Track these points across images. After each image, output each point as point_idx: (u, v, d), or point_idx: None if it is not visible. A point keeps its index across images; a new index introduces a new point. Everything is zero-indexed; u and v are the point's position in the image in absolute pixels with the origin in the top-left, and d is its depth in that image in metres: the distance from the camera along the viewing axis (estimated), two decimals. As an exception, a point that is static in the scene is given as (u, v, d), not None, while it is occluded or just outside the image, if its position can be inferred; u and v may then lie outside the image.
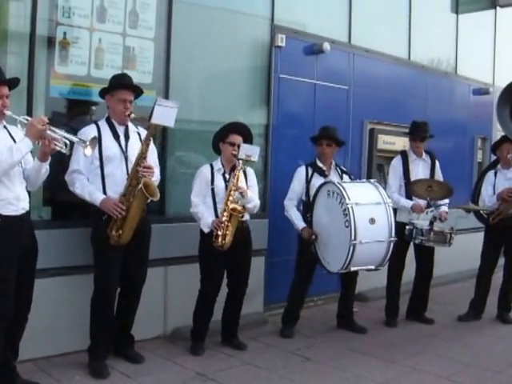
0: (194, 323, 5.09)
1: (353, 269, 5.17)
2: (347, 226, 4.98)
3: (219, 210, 4.89)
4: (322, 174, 5.60)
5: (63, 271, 4.71)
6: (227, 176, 5.00)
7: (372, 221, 5.06)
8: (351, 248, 4.95)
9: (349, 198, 5.00)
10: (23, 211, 3.82)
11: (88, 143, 3.72)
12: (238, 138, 5.01)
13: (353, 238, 4.94)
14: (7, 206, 3.70)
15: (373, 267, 5.25)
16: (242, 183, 4.97)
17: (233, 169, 5.00)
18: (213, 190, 4.96)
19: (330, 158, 5.69)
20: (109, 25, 5.01)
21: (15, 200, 3.75)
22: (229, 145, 5.00)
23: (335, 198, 5.15)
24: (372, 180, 5.61)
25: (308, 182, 5.57)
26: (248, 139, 5.08)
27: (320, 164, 5.65)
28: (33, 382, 4.08)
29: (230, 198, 4.80)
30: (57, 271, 4.67)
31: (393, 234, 5.14)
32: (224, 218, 4.78)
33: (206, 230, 4.88)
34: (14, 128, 3.84)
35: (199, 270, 5.03)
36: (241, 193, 4.84)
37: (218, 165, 5.04)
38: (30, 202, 3.93)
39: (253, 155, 4.85)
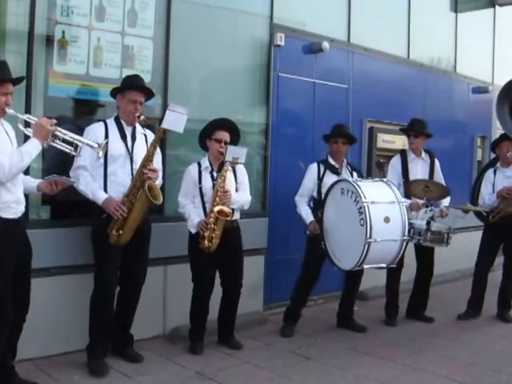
0: (191, 323, 5.08)
1: (366, 267, 5.16)
2: (362, 225, 4.97)
3: (208, 210, 4.87)
4: (335, 171, 5.59)
5: (62, 270, 4.70)
6: (215, 174, 4.97)
7: (387, 219, 5.05)
8: (366, 246, 4.94)
9: (365, 197, 4.99)
10: (20, 214, 3.81)
11: (102, 148, 3.82)
12: (224, 135, 4.97)
13: (368, 236, 4.92)
14: (7, 209, 3.68)
15: (384, 265, 5.26)
16: (230, 183, 4.94)
17: (221, 166, 4.93)
18: (200, 189, 4.94)
19: (343, 155, 5.70)
20: (108, 24, 5.00)
21: (15, 203, 3.74)
22: (215, 142, 4.96)
23: (350, 196, 5.14)
24: (385, 179, 5.61)
25: (320, 179, 5.57)
26: (235, 135, 5.05)
27: (332, 162, 5.65)
28: (31, 381, 4.06)
29: (217, 200, 4.77)
30: (56, 270, 4.67)
31: (406, 233, 5.15)
32: (210, 220, 4.76)
33: (193, 231, 4.87)
34: (6, 124, 3.82)
35: (191, 271, 5.01)
36: (225, 196, 4.79)
37: (205, 163, 5.00)
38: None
39: (240, 157, 4.80)
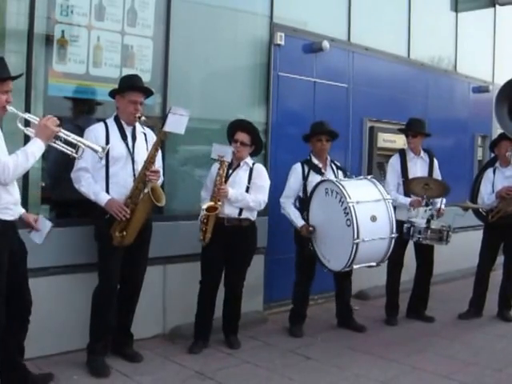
0: (195, 319, 5.09)
1: (355, 267, 5.15)
2: (349, 225, 4.94)
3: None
4: (319, 171, 5.57)
5: (62, 270, 4.70)
6: (230, 171, 5.05)
7: (373, 218, 5.03)
8: (354, 247, 4.91)
9: (349, 197, 4.96)
10: (17, 216, 3.82)
11: (104, 152, 3.84)
12: (240, 135, 5.05)
13: (355, 236, 4.90)
14: (6, 210, 3.67)
15: (374, 264, 5.25)
16: (239, 182, 5.01)
17: (237, 164, 5.07)
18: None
19: (326, 153, 5.67)
20: (107, 23, 5.00)
21: (14, 205, 3.73)
22: (233, 142, 5.06)
23: (334, 196, 5.11)
24: (369, 176, 5.58)
25: (305, 179, 5.54)
26: (254, 136, 5.13)
27: (316, 161, 5.62)
28: (45, 373, 4.13)
29: (214, 196, 4.84)
30: (55, 270, 4.66)
31: (394, 230, 5.13)
32: (203, 213, 4.86)
33: (199, 224, 4.96)
34: None
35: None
36: (219, 192, 4.85)
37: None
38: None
39: (225, 156, 4.86)
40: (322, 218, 5.28)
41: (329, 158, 5.70)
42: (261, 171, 5.20)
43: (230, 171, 5.04)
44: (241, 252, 5.08)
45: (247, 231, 5.11)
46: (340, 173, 5.68)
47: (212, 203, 4.82)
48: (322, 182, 5.33)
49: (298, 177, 5.57)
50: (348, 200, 4.95)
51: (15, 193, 3.75)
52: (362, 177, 5.66)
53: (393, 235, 5.13)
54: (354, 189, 5.09)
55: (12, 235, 3.75)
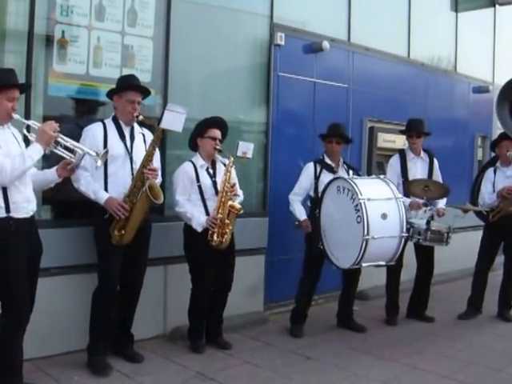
0: (191, 322, 5.07)
1: (364, 265, 5.13)
2: (359, 222, 4.94)
3: (209, 208, 4.89)
4: (331, 170, 5.59)
5: (62, 270, 4.70)
6: (211, 171, 4.99)
7: (384, 216, 5.02)
8: (364, 243, 4.90)
9: (361, 194, 4.96)
10: (32, 213, 3.86)
11: (100, 157, 3.86)
12: (218, 132, 5.00)
13: (365, 233, 4.89)
14: (18, 209, 3.72)
15: (383, 263, 5.24)
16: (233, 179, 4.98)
17: (213, 164, 5.00)
18: (200, 187, 4.93)
19: (339, 155, 5.70)
20: (107, 23, 5.00)
21: (25, 202, 3.77)
22: (210, 139, 4.97)
23: (346, 193, 5.11)
24: (382, 176, 5.59)
25: (317, 178, 5.56)
26: (225, 133, 5.09)
27: (328, 161, 5.64)
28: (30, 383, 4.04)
29: (224, 194, 4.79)
30: (56, 270, 4.66)
31: (404, 230, 5.12)
32: (219, 216, 4.77)
33: (200, 229, 4.84)
34: (13, 128, 3.86)
35: (189, 270, 5.00)
36: (232, 189, 4.82)
37: (199, 161, 5.00)
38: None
39: (248, 152, 4.83)
40: (334, 216, 5.27)
41: (341, 159, 5.72)
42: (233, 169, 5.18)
43: (211, 171, 4.99)
44: (230, 251, 5.04)
45: None
46: (351, 173, 5.68)
47: (234, 203, 4.79)
48: (334, 179, 5.33)
49: (309, 175, 5.59)
50: (359, 196, 4.95)
51: (26, 190, 3.79)
52: (374, 176, 5.67)
53: (403, 234, 5.12)
54: (365, 186, 5.10)
55: (28, 232, 3.79)
